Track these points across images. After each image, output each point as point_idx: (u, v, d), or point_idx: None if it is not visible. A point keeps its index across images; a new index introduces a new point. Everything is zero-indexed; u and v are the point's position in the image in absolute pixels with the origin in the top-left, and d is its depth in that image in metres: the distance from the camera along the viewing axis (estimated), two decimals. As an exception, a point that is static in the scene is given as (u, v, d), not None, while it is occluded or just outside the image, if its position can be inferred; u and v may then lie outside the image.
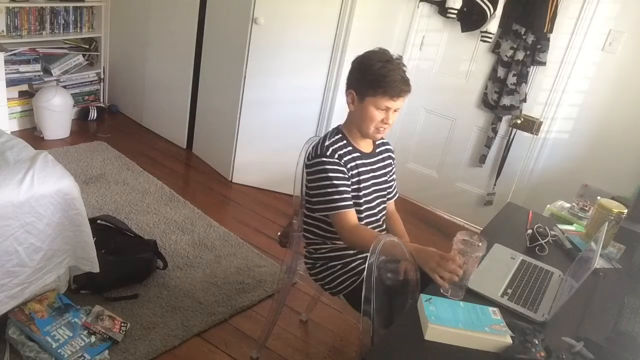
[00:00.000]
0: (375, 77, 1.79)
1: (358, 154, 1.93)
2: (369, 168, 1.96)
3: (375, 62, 1.80)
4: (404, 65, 1.85)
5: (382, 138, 2.05)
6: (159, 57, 4.04)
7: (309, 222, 2.01)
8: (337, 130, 1.95)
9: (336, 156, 1.85)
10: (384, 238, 1.70)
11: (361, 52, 1.89)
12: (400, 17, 3.61)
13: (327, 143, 1.88)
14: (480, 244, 1.56)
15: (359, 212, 1.93)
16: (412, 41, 3.63)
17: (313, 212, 1.96)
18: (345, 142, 1.91)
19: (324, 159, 1.84)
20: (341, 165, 1.86)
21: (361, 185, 1.93)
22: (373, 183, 1.98)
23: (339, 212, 1.85)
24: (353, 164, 1.90)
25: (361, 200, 1.94)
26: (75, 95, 4.15)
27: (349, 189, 1.88)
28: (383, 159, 2.05)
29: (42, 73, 3.91)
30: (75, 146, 3.80)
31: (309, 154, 1.92)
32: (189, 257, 2.85)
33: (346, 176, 1.87)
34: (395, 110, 1.85)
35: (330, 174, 1.84)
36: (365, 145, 1.98)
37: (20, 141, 2.38)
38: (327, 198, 1.85)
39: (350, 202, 1.87)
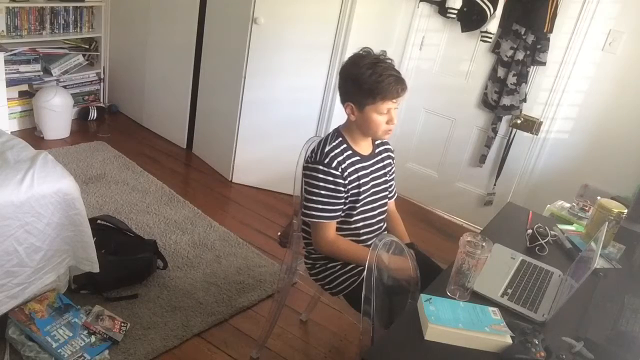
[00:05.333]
0: (369, 85, 1.77)
1: (357, 158, 1.93)
2: (368, 170, 1.97)
3: (364, 70, 1.77)
4: (390, 59, 1.83)
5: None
6: (159, 57, 4.04)
7: (307, 222, 2.02)
8: (338, 133, 1.94)
9: (334, 164, 1.85)
10: (384, 238, 1.71)
11: (353, 52, 1.87)
12: (400, 17, 3.61)
13: (327, 149, 1.87)
14: (485, 245, 1.56)
15: (352, 214, 1.94)
16: (412, 41, 3.63)
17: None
18: (345, 146, 1.91)
19: (320, 167, 1.84)
20: (337, 177, 1.85)
21: (361, 190, 1.93)
22: (372, 185, 1.98)
23: (319, 222, 1.88)
24: (352, 169, 1.90)
25: (359, 204, 1.94)
26: (75, 95, 4.15)
27: (339, 202, 1.88)
28: (382, 160, 2.05)
29: (42, 73, 3.91)
30: (75, 146, 3.80)
31: (309, 156, 1.92)
32: (189, 257, 2.85)
33: (339, 188, 1.86)
34: (396, 108, 1.85)
35: (321, 184, 1.85)
36: (366, 147, 1.98)
37: (20, 141, 2.38)
38: (312, 205, 1.87)
39: (334, 215, 1.89)
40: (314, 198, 1.86)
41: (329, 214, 1.88)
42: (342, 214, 1.93)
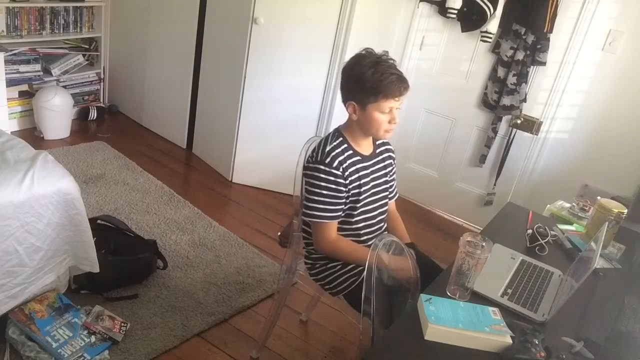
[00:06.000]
0: (371, 84, 1.77)
1: (358, 158, 1.93)
2: (369, 171, 1.96)
3: (366, 69, 1.78)
4: (392, 59, 1.83)
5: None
6: (159, 57, 4.04)
7: (307, 222, 2.02)
8: (338, 133, 1.94)
9: (335, 163, 1.85)
10: (384, 238, 1.71)
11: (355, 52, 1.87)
12: (400, 17, 3.61)
13: (328, 148, 1.87)
14: (485, 245, 1.56)
15: (353, 214, 1.94)
16: (412, 41, 3.63)
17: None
18: (345, 146, 1.91)
19: (321, 167, 1.84)
20: (338, 176, 1.85)
21: (362, 190, 1.93)
22: (373, 185, 1.98)
23: (321, 222, 1.88)
24: (353, 168, 1.90)
25: (359, 204, 1.94)
26: (75, 95, 4.15)
27: (340, 202, 1.88)
28: (383, 160, 2.05)
29: (42, 73, 3.91)
30: (75, 146, 3.80)
31: (310, 156, 1.92)
32: (189, 257, 2.85)
33: (340, 188, 1.86)
34: (398, 108, 1.85)
35: (322, 183, 1.85)
36: (366, 147, 1.98)
37: (20, 141, 2.38)
38: (313, 205, 1.87)
39: (335, 215, 1.89)
40: (315, 198, 1.86)
41: (330, 214, 1.87)
42: (343, 214, 1.93)
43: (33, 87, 3.86)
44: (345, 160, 1.88)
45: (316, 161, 1.86)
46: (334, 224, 1.91)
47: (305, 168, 1.92)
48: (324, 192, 1.85)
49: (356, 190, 1.91)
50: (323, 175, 1.84)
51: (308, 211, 1.88)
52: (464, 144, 3.68)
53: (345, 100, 1.89)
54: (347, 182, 1.88)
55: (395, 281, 1.78)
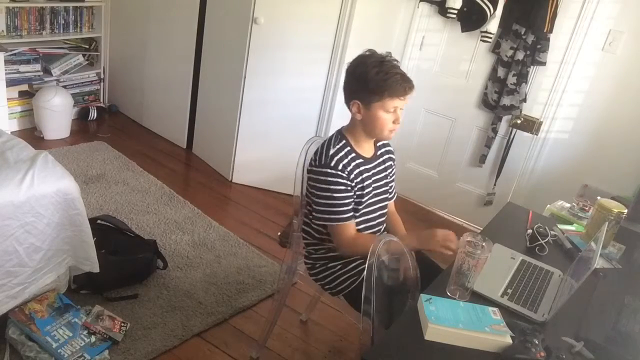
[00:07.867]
0: (376, 83, 1.78)
1: (361, 160, 1.93)
2: (371, 173, 1.97)
3: (370, 69, 1.78)
4: (396, 60, 1.84)
5: None
6: (159, 57, 4.04)
7: (307, 222, 2.02)
8: (340, 135, 1.94)
9: (340, 167, 1.85)
10: (384, 238, 1.71)
11: (358, 54, 1.87)
12: (400, 17, 3.61)
13: (332, 152, 1.87)
14: (485, 245, 1.56)
15: (355, 216, 1.93)
16: (412, 41, 3.63)
17: (313, 217, 1.97)
18: (348, 149, 1.91)
19: (328, 170, 1.84)
20: (344, 178, 1.85)
21: (364, 192, 1.93)
22: (374, 187, 1.98)
23: (338, 224, 1.88)
24: (357, 171, 1.90)
25: (361, 206, 1.94)
26: (75, 95, 4.15)
27: (351, 201, 1.88)
28: (384, 161, 2.05)
29: (42, 73, 3.91)
30: (75, 146, 3.80)
31: (313, 159, 1.91)
32: (189, 257, 2.85)
33: (348, 188, 1.87)
34: (401, 108, 1.85)
35: (332, 187, 1.85)
36: (368, 149, 1.98)
37: (20, 141, 2.38)
38: (327, 209, 1.87)
39: (350, 214, 1.89)
40: (329, 202, 1.86)
41: (347, 215, 1.87)
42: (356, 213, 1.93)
43: (33, 87, 3.87)
44: (349, 163, 1.88)
45: (321, 165, 1.86)
46: (353, 222, 1.90)
47: (310, 172, 1.91)
48: (336, 194, 1.85)
49: (360, 193, 1.91)
50: (332, 179, 1.84)
51: (324, 215, 1.88)
52: (464, 144, 3.68)
53: (348, 100, 1.88)
54: (353, 184, 1.88)
55: (396, 281, 1.78)
